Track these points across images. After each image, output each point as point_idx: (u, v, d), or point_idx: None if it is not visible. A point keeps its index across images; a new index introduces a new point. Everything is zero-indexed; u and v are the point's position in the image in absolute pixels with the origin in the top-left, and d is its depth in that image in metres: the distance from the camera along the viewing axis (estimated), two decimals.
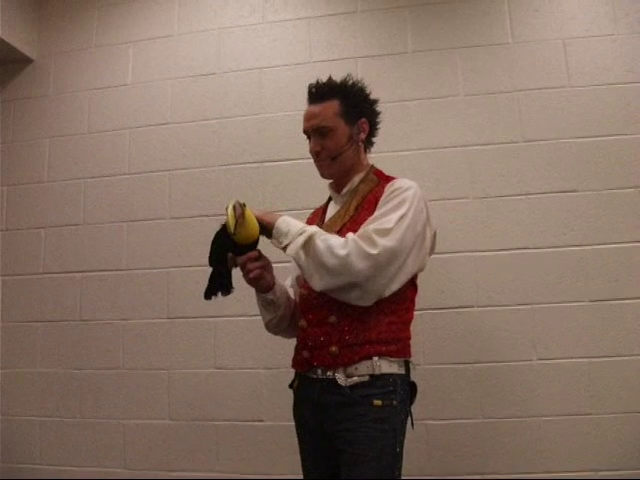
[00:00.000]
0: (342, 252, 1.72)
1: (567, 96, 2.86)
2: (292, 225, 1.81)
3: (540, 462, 2.66)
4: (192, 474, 2.95)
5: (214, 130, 3.17)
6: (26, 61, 3.46)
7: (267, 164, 3.06)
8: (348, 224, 1.91)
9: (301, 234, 1.78)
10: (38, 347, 3.22)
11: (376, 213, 1.84)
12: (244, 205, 1.77)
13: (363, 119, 1.99)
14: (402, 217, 1.78)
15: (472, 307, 2.79)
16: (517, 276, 2.77)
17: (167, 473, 2.97)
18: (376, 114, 2.07)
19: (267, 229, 1.84)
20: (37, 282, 3.27)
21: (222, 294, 1.94)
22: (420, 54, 3.01)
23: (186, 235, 3.05)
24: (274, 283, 1.99)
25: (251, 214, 1.80)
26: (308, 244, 1.76)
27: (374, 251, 1.71)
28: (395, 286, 1.80)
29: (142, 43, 3.33)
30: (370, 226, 1.78)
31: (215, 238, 1.92)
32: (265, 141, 3.08)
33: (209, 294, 1.94)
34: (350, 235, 1.77)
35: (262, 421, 2.91)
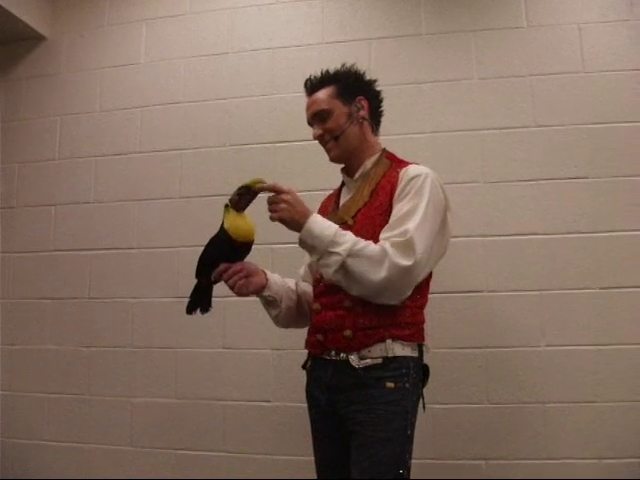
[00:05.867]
0: (381, 274, 1.73)
1: (581, 81, 2.84)
2: (318, 238, 1.77)
3: (544, 448, 2.66)
4: (198, 453, 2.97)
5: (226, 110, 3.16)
6: (39, 39, 3.46)
7: (278, 144, 3.05)
8: (363, 209, 1.92)
9: (331, 254, 1.75)
10: (47, 324, 3.24)
11: (396, 210, 1.83)
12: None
13: (360, 96, 2.00)
14: (424, 214, 1.79)
15: (481, 292, 2.78)
16: (526, 262, 2.76)
17: (173, 451, 3.00)
18: (375, 93, 2.08)
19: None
20: (47, 259, 3.29)
21: (201, 312, 1.99)
22: (434, 36, 2.99)
23: (196, 215, 3.05)
24: (266, 280, 2.01)
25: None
26: (343, 268, 1.75)
27: (410, 262, 1.72)
28: (421, 279, 1.85)
29: (155, 22, 3.32)
30: (398, 231, 1.77)
31: (208, 248, 1.96)
32: (277, 122, 3.07)
33: (190, 309, 1.99)
34: (386, 246, 1.75)
35: (269, 401, 2.92)
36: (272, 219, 1.80)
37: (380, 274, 1.72)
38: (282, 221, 1.79)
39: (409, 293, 1.81)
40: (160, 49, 3.31)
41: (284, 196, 1.78)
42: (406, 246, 1.73)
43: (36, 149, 3.40)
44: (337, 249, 1.74)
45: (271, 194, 1.82)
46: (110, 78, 3.35)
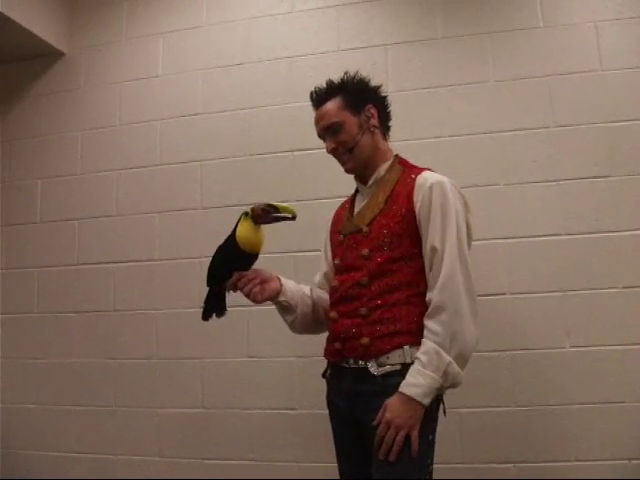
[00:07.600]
0: (473, 333, 1.78)
1: (599, 80, 2.82)
2: (427, 382, 1.72)
3: (573, 450, 2.64)
4: (225, 462, 2.98)
5: (245, 120, 3.18)
6: (57, 55, 3.51)
7: (297, 153, 3.07)
8: (379, 217, 1.91)
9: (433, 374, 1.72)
10: (73, 338, 3.27)
11: (429, 247, 1.82)
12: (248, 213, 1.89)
13: (369, 105, 2.00)
14: (459, 247, 1.80)
15: (504, 294, 2.77)
16: (549, 263, 2.75)
17: (201, 461, 3.01)
18: (382, 98, 2.07)
19: None
20: (72, 273, 3.32)
21: (217, 316, 2.04)
22: (450, 40, 2.99)
23: (218, 225, 3.03)
24: (281, 285, 2.03)
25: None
26: (448, 372, 1.74)
27: (477, 330, 1.79)
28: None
29: (172, 34, 3.36)
30: (445, 279, 1.78)
31: (215, 255, 2.01)
32: (295, 130, 3.07)
33: (206, 316, 2.05)
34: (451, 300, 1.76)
35: (294, 409, 2.93)
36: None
37: (472, 333, 1.77)
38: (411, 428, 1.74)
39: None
40: (177, 61, 3.34)
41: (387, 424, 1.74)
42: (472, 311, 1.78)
43: (58, 164, 3.44)
44: (433, 374, 1.73)
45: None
46: (129, 92, 3.39)
